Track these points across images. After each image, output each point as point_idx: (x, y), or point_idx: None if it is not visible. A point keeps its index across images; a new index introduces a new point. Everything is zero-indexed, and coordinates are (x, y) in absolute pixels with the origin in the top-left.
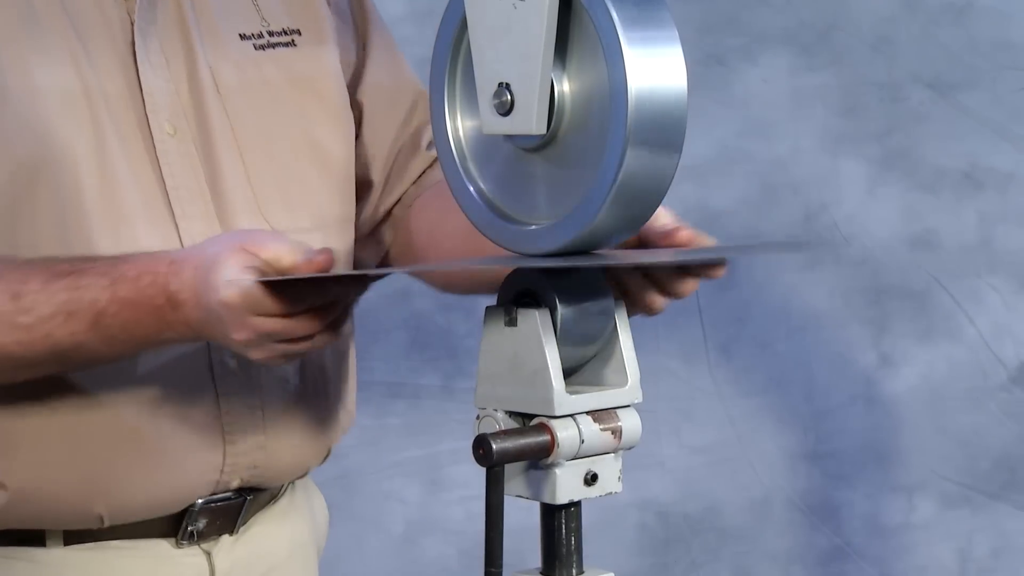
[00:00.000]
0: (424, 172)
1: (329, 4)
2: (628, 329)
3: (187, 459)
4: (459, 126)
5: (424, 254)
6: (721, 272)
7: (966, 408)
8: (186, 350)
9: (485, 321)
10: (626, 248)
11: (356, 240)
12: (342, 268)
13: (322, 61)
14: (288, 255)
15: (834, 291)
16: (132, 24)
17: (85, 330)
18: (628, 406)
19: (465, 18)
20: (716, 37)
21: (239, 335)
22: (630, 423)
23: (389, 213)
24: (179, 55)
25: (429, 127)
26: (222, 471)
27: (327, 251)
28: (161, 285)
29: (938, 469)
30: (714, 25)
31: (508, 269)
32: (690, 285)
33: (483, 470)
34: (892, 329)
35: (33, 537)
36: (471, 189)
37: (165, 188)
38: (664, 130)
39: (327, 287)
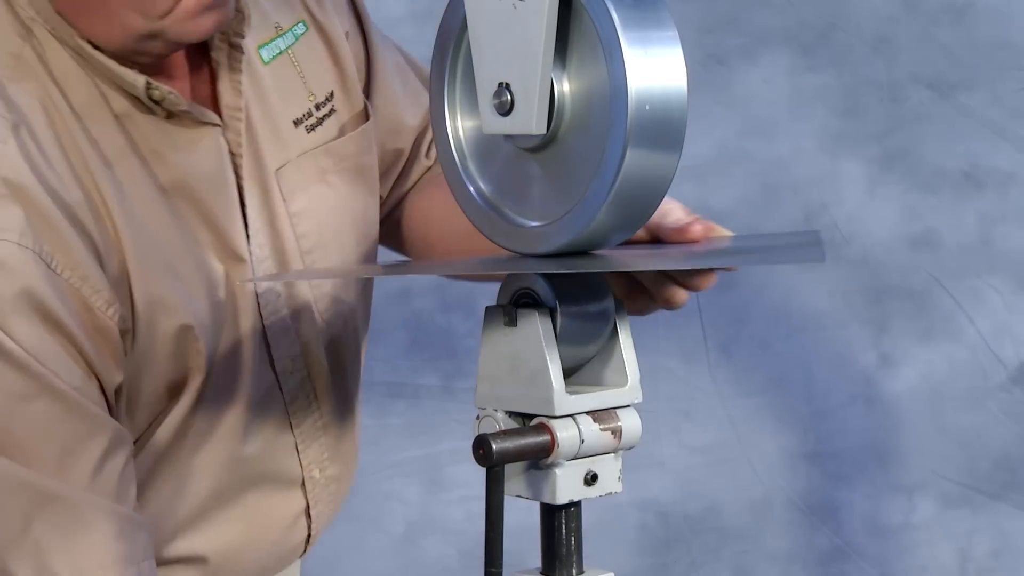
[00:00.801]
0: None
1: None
2: (628, 329)
3: (279, 538)
4: (459, 126)
5: (422, 238)
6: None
7: (966, 408)
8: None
9: (485, 321)
10: (638, 244)
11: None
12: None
13: (364, 143)
14: None
15: (834, 291)
16: (237, 171)
17: None
18: (628, 406)
19: (465, 18)
20: (716, 37)
21: None
22: (630, 423)
23: (404, 196)
24: (257, 192)
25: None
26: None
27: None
28: None
29: (938, 469)
30: (714, 25)
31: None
32: (709, 279)
33: (483, 470)
34: (892, 329)
35: None
36: (471, 189)
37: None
38: (664, 130)
39: None
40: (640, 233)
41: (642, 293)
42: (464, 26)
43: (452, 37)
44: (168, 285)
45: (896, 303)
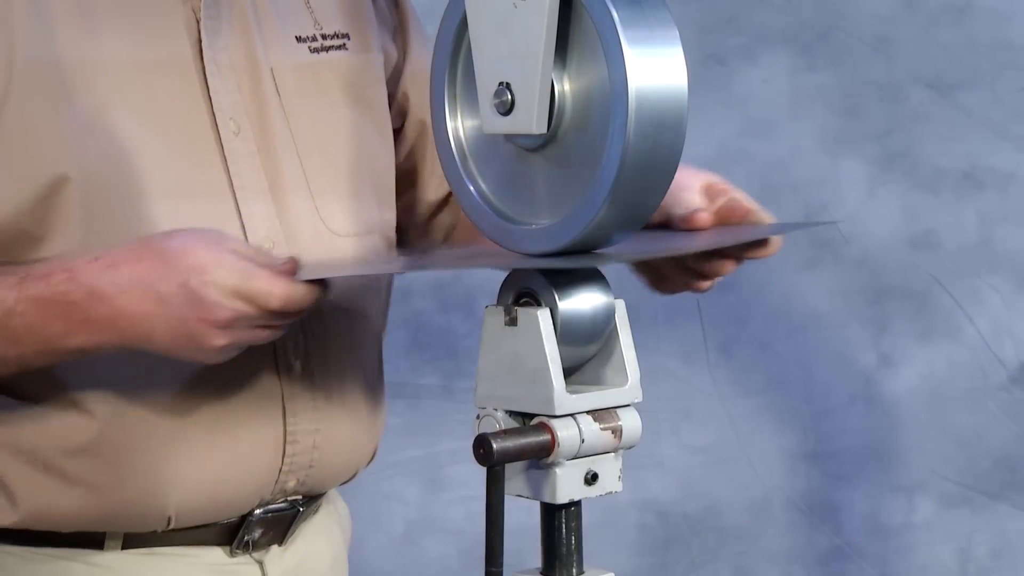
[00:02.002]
0: None
1: (374, 4)
2: (628, 329)
3: (252, 457)
4: (460, 126)
5: None
6: (767, 251)
7: (966, 408)
8: (253, 350)
9: (485, 321)
10: (648, 227)
11: (414, 228)
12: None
13: (371, 69)
14: (259, 255)
15: (834, 291)
16: (198, 23)
17: None
18: (628, 405)
19: (465, 18)
20: (716, 37)
21: (220, 314)
22: (630, 422)
23: (447, 199)
24: (241, 56)
25: None
26: (280, 470)
27: (292, 261)
28: (79, 280)
29: (938, 469)
30: (714, 25)
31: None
32: (728, 266)
33: (483, 470)
34: (892, 329)
35: (92, 540)
36: (471, 189)
37: (232, 188)
38: (664, 130)
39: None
40: (654, 215)
41: (664, 279)
42: (464, 26)
43: (452, 37)
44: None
45: (896, 303)
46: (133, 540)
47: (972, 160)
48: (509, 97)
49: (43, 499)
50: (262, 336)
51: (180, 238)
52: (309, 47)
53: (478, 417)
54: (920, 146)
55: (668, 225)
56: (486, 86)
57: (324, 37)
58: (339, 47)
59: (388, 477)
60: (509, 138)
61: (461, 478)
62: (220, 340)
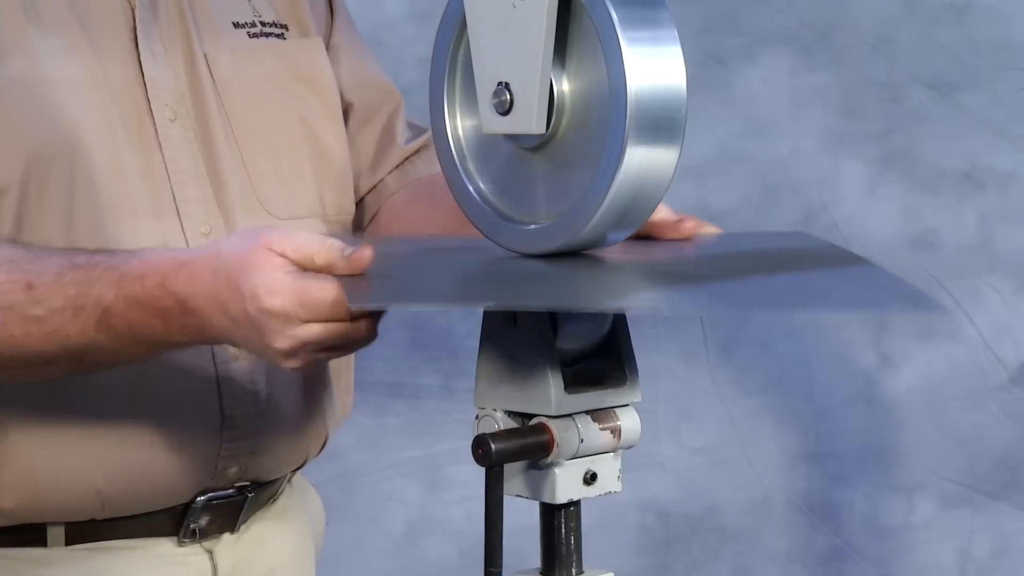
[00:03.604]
0: (402, 164)
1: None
2: (627, 329)
3: (187, 442)
4: (459, 125)
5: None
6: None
7: (966, 408)
8: None
9: (485, 321)
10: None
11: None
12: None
13: (314, 51)
14: (320, 253)
15: None
16: (133, 11)
17: (94, 327)
18: (627, 405)
19: (465, 18)
20: (716, 37)
21: (282, 344)
22: (629, 422)
23: (361, 200)
24: (177, 43)
25: (402, 120)
26: (220, 455)
27: (366, 247)
28: (170, 288)
29: (938, 469)
30: (714, 25)
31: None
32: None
33: (483, 470)
34: (892, 329)
35: (35, 537)
36: (471, 188)
37: (168, 173)
38: (664, 130)
39: None
40: None
41: None
42: (464, 25)
43: (452, 37)
44: None
45: None
46: (75, 533)
47: (972, 160)
48: (508, 97)
49: None
50: (339, 355)
51: (241, 252)
52: (248, 32)
53: (477, 417)
54: (920, 146)
55: (645, 235)
56: (485, 86)
57: (263, 24)
58: (278, 35)
59: (388, 477)
60: (508, 138)
61: (461, 478)
62: (290, 363)
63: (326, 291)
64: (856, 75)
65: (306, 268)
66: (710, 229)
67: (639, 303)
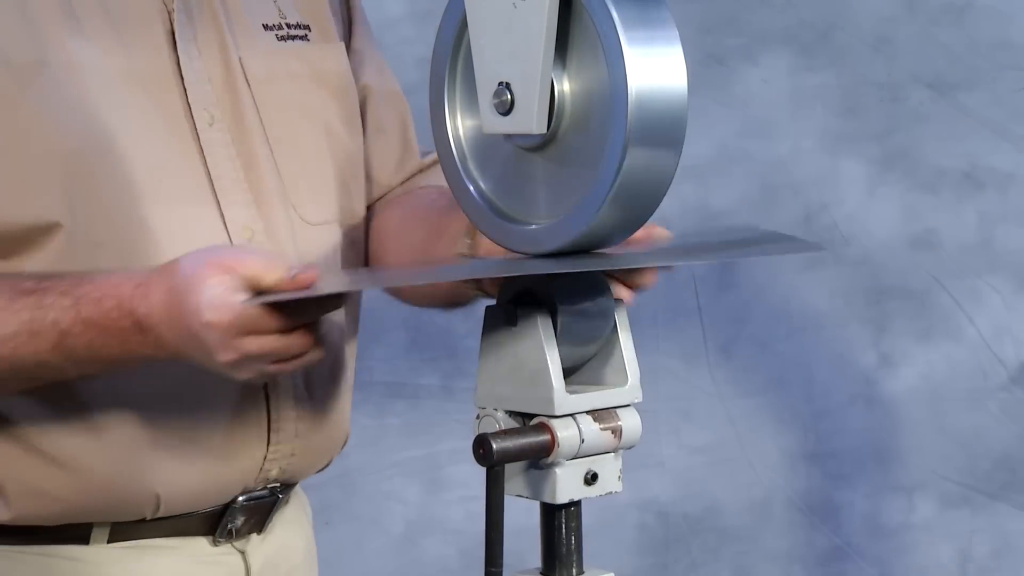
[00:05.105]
0: (413, 176)
1: (329, 3)
2: (628, 329)
3: (239, 444)
4: (459, 125)
5: (374, 259)
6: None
7: (966, 408)
8: None
9: (485, 321)
10: None
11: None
12: (339, 272)
13: (337, 57)
14: (269, 273)
15: (834, 291)
16: (170, 14)
17: (49, 349)
18: (628, 405)
19: (465, 18)
20: (716, 37)
21: (225, 356)
22: (630, 422)
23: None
24: (212, 45)
25: (412, 129)
26: (266, 457)
27: (312, 267)
28: (126, 308)
29: (938, 469)
30: (714, 25)
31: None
32: (651, 277)
33: (483, 470)
34: (892, 329)
35: (78, 534)
36: (471, 189)
37: (209, 177)
38: (664, 130)
39: (324, 303)
40: None
41: None
42: (464, 26)
43: (452, 37)
44: None
45: (896, 303)
46: (119, 532)
47: (972, 160)
48: (509, 97)
49: (32, 483)
50: (286, 368)
51: (191, 269)
52: (276, 35)
53: (478, 417)
54: (920, 146)
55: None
56: (486, 86)
57: (289, 26)
58: (302, 37)
59: (388, 477)
60: (509, 138)
61: (461, 478)
62: (240, 375)
63: (259, 306)
64: (856, 75)
65: (253, 287)
66: (662, 234)
67: (579, 266)
